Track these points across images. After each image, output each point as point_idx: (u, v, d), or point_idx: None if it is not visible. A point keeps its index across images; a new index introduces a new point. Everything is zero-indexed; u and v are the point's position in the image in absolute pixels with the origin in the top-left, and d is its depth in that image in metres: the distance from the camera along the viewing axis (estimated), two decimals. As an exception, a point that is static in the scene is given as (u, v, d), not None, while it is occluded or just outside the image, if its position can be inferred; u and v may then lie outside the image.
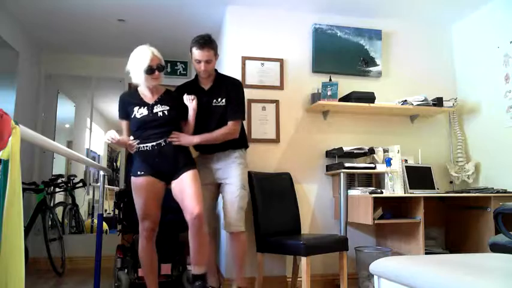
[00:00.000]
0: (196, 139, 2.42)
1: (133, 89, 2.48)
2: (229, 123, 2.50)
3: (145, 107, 2.35)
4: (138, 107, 2.35)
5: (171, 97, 2.44)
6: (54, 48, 4.36)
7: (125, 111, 2.42)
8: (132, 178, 2.34)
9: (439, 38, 3.76)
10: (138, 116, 2.33)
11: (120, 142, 2.33)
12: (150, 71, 2.27)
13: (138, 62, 2.27)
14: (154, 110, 2.34)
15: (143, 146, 2.31)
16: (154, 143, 2.29)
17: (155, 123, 2.31)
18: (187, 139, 2.39)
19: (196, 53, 2.42)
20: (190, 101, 2.41)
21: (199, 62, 2.45)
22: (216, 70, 2.61)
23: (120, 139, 2.28)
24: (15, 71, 3.82)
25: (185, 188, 2.28)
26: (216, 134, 2.47)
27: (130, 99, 2.42)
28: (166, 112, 2.34)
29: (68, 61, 4.48)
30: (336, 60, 3.45)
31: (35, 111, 4.32)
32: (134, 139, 2.34)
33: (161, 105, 2.36)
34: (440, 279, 1.11)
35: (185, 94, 2.43)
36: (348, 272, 2.77)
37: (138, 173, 2.31)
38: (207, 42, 2.43)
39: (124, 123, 2.44)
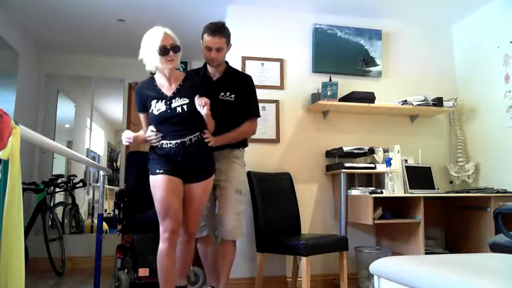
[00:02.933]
0: (216, 143, 2.26)
1: (149, 79, 2.26)
2: (247, 122, 2.43)
3: (163, 101, 2.15)
4: (155, 101, 2.15)
5: (191, 85, 2.21)
6: (54, 48, 4.36)
7: (143, 105, 2.22)
8: (151, 177, 2.14)
9: (439, 38, 3.76)
10: (155, 112, 2.14)
11: (139, 138, 2.21)
12: (163, 51, 2.06)
13: (150, 43, 2.09)
14: (173, 105, 2.13)
15: (166, 143, 2.13)
16: (178, 141, 2.12)
17: (175, 119, 2.13)
18: (213, 141, 2.24)
19: (208, 39, 2.30)
20: (201, 107, 2.09)
21: (209, 49, 2.31)
22: (227, 62, 2.50)
23: (136, 136, 2.17)
24: (15, 71, 3.83)
25: (192, 200, 2.17)
26: (235, 134, 2.38)
27: (147, 91, 2.21)
28: (185, 107, 2.12)
29: (68, 61, 4.48)
30: (336, 60, 3.45)
31: (35, 111, 4.32)
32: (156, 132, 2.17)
33: (180, 97, 2.15)
34: (440, 279, 1.11)
35: (197, 96, 2.12)
36: (348, 272, 2.76)
37: (157, 171, 2.11)
38: (220, 29, 2.30)
39: (143, 116, 2.27)
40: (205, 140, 2.19)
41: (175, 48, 2.11)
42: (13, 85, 3.80)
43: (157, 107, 2.14)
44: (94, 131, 4.63)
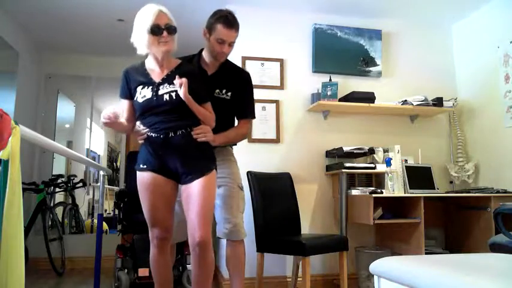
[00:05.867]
0: (217, 142, 2.00)
1: (141, 62, 1.97)
2: (244, 122, 2.22)
3: (150, 88, 1.85)
4: (141, 87, 1.87)
5: (185, 72, 1.87)
6: (54, 48, 4.36)
7: (128, 89, 1.93)
8: (137, 173, 1.92)
9: (439, 38, 3.76)
10: (140, 100, 1.85)
11: (122, 125, 1.90)
12: (155, 30, 1.75)
13: (142, 21, 1.78)
14: (160, 92, 1.83)
15: (151, 135, 1.86)
16: (161, 132, 1.82)
17: (160, 109, 1.83)
18: (212, 137, 1.93)
19: (223, 31, 2.02)
20: (178, 87, 1.80)
21: (222, 42, 2.05)
22: None
23: (118, 118, 1.80)
24: (15, 71, 3.82)
25: (192, 200, 1.82)
26: (235, 135, 2.18)
27: (135, 75, 1.92)
28: (174, 95, 1.82)
29: (68, 61, 4.48)
30: (336, 60, 3.45)
31: (35, 111, 4.32)
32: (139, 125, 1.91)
33: (169, 84, 1.84)
34: (440, 279, 1.11)
35: (177, 76, 1.85)
36: (348, 272, 2.77)
37: (141, 166, 1.88)
38: (236, 22, 2.06)
39: (125, 104, 1.95)
40: (196, 137, 1.86)
41: (170, 29, 1.79)
42: (13, 85, 3.80)
43: (143, 94, 1.86)
44: (94, 131, 4.62)
